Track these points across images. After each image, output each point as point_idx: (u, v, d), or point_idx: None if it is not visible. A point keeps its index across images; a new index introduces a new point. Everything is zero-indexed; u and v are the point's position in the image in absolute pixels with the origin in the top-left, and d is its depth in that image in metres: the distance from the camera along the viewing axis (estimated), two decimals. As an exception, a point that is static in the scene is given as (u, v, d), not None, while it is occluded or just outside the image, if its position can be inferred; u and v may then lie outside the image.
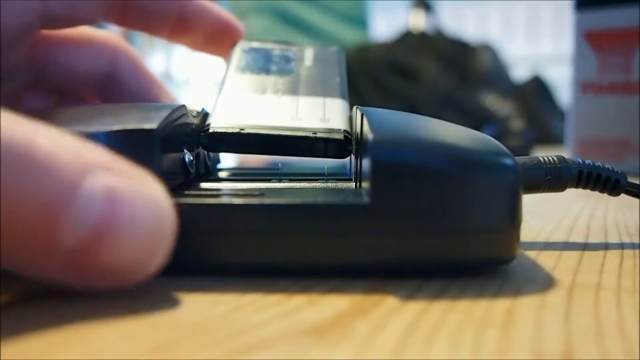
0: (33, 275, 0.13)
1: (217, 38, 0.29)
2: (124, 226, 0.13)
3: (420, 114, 0.20)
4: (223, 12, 0.29)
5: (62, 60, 0.27)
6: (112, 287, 0.14)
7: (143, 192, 0.14)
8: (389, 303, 0.14)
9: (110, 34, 0.29)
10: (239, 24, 0.29)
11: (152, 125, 0.16)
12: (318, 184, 0.21)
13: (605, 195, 0.21)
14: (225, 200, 0.16)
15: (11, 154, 0.12)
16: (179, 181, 0.19)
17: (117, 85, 0.28)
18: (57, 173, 0.13)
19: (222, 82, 0.26)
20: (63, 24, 0.25)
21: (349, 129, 0.22)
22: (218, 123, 0.21)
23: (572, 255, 0.19)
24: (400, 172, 0.16)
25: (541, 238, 0.22)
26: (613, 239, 0.23)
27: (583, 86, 0.53)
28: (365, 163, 0.17)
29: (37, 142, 0.13)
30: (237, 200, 0.16)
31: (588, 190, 0.21)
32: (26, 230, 0.12)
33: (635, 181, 0.21)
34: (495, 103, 1.11)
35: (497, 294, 0.15)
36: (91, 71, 0.27)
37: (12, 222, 0.12)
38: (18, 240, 0.13)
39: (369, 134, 0.16)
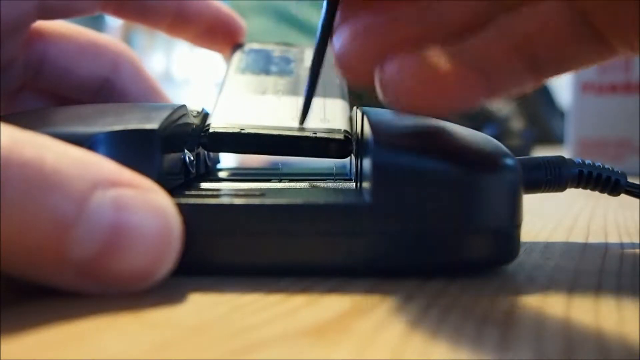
0: (46, 284, 0.14)
1: (216, 33, 0.29)
2: (133, 236, 0.14)
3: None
4: (223, 7, 0.29)
5: (60, 59, 0.27)
6: (123, 293, 0.14)
7: (150, 201, 0.14)
8: (389, 303, 0.14)
9: (113, 38, 0.28)
10: (240, 20, 0.29)
11: (153, 125, 0.16)
12: (318, 184, 0.21)
13: (605, 195, 0.21)
14: (226, 200, 0.16)
15: (22, 171, 0.13)
16: (179, 181, 0.19)
17: (117, 91, 0.27)
18: (65, 188, 0.13)
19: (223, 83, 0.26)
20: (60, 14, 0.25)
21: (349, 129, 0.22)
22: (218, 123, 0.21)
23: (572, 256, 0.19)
24: (401, 172, 0.16)
25: (541, 238, 0.22)
26: (613, 239, 0.23)
27: (583, 86, 0.53)
28: (366, 163, 0.17)
29: (46, 159, 0.13)
30: (237, 201, 0.16)
31: (588, 190, 0.21)
32: (38, 243, 0.13)
33: (635, 181, 0.21)
34: (495, 103, 1.11)
35: (497, 294, 0.15)
36: (90, 75, 0.27)
37: (24, 237, 0.13)
38: (31, 253, 0.13)
39: (369, 134, 0.16)
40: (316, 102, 0.24)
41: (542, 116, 1.14)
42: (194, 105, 0.22)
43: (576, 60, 0.18)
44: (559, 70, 0.19)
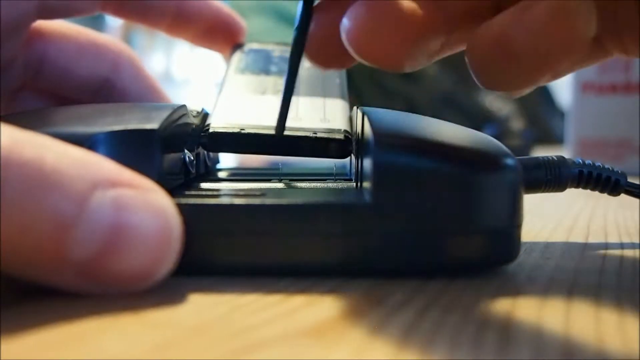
0: (46, 284, 0.14)
1: (216, 33, 0.29)
2: (133, 236, 0.14)
3: (420, 114, 0.20)
4: (223, 7, 0.29)
5: (60, 59, 0.27)
6: (123, 293, 0.14)
7: (150, 201, 0.14)
8: (389, 303, 0.14)
9: (113, 38, 0.28)
10: (240, 19, 0.29)
11: (153, 125, 0.16)
12: (319, 184, 0.21)
13: (605, 195, 0.21)
14: (226, 200, 0.16)
15: (21, 171, 0.13)
16: (179, 181, 0.19)
17: (117, 91, 0.27)
18: (65, 188, 0.13)
19: (222, 83, 0.26)
20: (60, 14, 0.25)
21: (349, 129, 0.22)
22: (218, 123, 0.21)
23: (572, 256, 0.19)
24: (402, 172, 0.16)
25: (541, 238, 0.22)
26: (613, 239, 0.23)
27: (583, 86, 0.53)
28: (367, 163, 0.17)
29: (45, 159, 0.13)
30: (238, 201, 0.16)
31: (588, 190, 0.21)
32: (38, 243, 0.13)
33: (635, 181, 0.21)
34: (495, 103, 1.11)
35: (497, 294, 0.15)
36: (90, 75, 0.27)
37: (24, 237, 0.13)
38: (31, 253, 0.13)
39: (370, 134, 0.16)
40: (316, 102, 0.24)
41: (542, 116, 1.14)
42: (194, 105, 0.22)
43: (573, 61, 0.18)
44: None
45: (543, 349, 0.12)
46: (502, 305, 0.14)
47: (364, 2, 0.17)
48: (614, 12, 0.18)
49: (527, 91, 0.17)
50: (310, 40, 0.18)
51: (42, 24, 0.26)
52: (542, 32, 0.15)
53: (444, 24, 0.18)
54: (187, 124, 0.20)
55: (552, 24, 0.15)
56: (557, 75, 0.19)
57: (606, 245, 0.21)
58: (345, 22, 0.17)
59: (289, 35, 0.19)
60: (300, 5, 0.18)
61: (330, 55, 0.18)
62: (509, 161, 0.16)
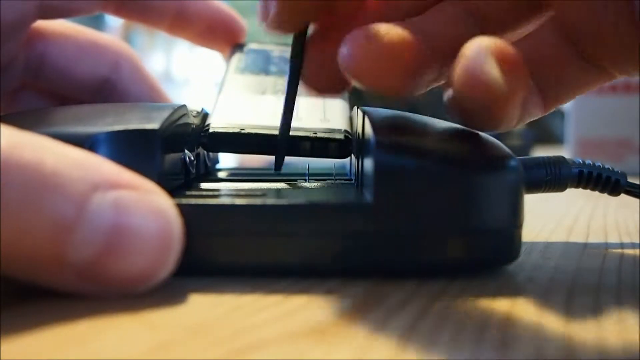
0: (46, 286, 0.14)
1: (217, 32, 0.29)
2: (133, 238, 0.14)
3: (420, 114, 0.20)
4: (223, 7, 0.29)
5: (60, 59, 0.27)
6: (124, 294, 0.14)
7: (150, 202, 0.14)
8: (389, 303, 0.14)
9: (113, 38, 0.28)
10: (240, 19, 0.29)
11: (154, 125, 0.16)
12: (319, 183, 0.20)
13: (605, 195, 0.21)
14: (227, 201, 0.16)
15: (21, 173, 0.13)
16: (179, 182, 0.19)
17: (117, 91, 0.27)
18: (65, 190, 0.13)
19: (222, 83, 0.26)
20: (61, 14, 0.25)
21: (349, 129, 0.22)
22: (218, 123, 0.21)
23: (572, 256, 0.19)
24: (402, 172, 0.16)
25: (541, 238, 0.22)
26: (613, 239, 0.23)
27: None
28: (367, 163, 0.17)
29: (45, 161, 0.13)
30: (238, 201, 0.16)
31: (588, 190, 0.21)
32: (38, 246, 0.13)
33: (635, 181, 0.21)
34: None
35: (497, 294, 0.15)
36: (90, 74, 0.27)
37: (24, 239, 0.13)
38: (31, 256, 0.13)
39: (371, 135, 0.16)
40: (316, 102, 0.24)
41: (542, 116, 1.14)
42: (194, 105, 0.22)
43: (575, 85, 0.19)
44: (560, 94, 0.19)
45: (543, 349, 0.12)
46: (502, 305, 0.14)
47: (360, 33, 0.17)
48: (611, 38, 0.18)
49: (509, 127, 0.17)
50: (306, 68, 0.19)
51: (42, 24, 0.26)
52: (463, 90, 0.15)
53: (435, 57, 0.18)
54: (187, 124, 0.20)
55: (467, 86, 0.15)
56: (551, 105, 0.19)
57: (606, 245, 0.21)
58: (344, 50, 0.17)
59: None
60: (293, 36, 0.19)
61: (325, 82, 0.19)
62: (510, 161, 0.16)
